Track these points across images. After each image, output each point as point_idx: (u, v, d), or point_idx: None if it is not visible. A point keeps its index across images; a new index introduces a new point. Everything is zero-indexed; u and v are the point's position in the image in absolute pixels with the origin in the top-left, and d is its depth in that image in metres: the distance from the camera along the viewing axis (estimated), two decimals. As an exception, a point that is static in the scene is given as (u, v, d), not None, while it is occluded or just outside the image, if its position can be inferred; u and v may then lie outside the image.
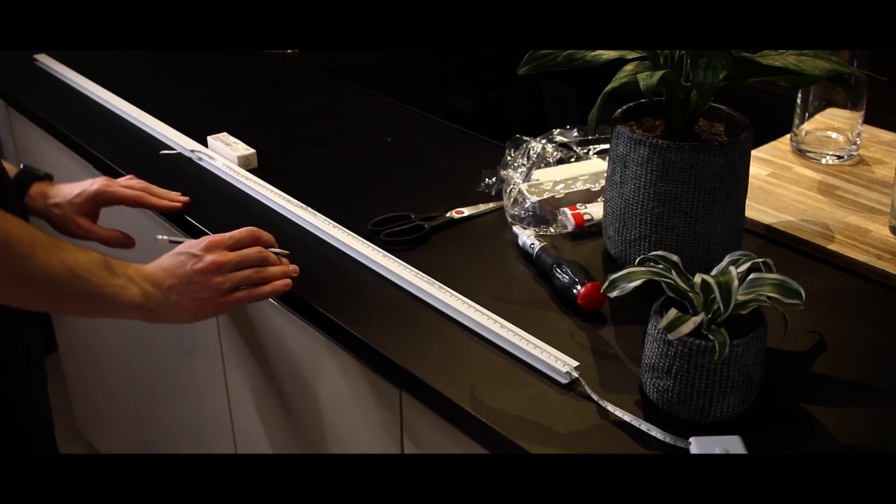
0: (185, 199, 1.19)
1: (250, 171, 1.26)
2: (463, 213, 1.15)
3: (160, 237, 1.09)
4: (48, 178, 1.18)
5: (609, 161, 1.01)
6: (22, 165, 1.17)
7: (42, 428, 1.07)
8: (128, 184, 1.19)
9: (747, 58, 0.91)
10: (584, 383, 0.85)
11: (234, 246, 0.99)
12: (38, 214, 1.16)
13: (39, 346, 1.05)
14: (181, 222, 1.19)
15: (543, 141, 1.25)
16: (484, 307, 0.95)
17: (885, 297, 0.99)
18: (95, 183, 1.16)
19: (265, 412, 1.25)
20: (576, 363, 0.87)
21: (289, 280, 1.00)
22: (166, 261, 0.97)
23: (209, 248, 0.97)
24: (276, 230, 1.13)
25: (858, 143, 1.27)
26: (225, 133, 1.34)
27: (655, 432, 0.79)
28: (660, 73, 0.89)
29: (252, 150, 1.29)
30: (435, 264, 1.04)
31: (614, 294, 0.82)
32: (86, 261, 0.88)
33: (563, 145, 1.27)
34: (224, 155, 1.30)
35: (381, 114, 1.48)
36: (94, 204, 1.16)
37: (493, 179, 1.21)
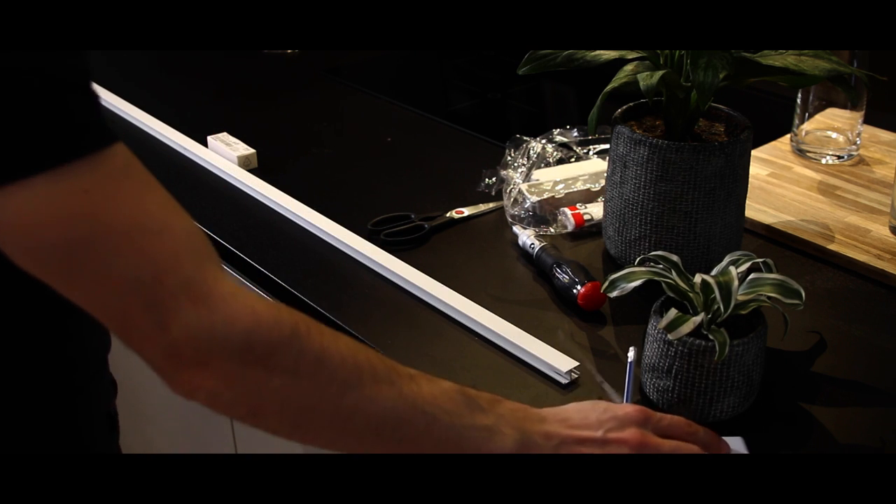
0: None
1: (250, 171, 1.26)
2: (463, 213, 1.15)
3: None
4: None
5: (609, 161, 1.01)
6: None
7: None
8: None
9: (747, 58, 0.91)
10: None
11: (665, 431, 0.74)
12: None
13: (116, 413, 0.95)
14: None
15: (543, 141, 1.25)
16: (484, 307, 0.95)
17: (885, 297, 0.99)
18: None
19: (265, 412, 1.25)
20: (576, 363, 0.87)
21: None
22: (570, 410, 0.74)
23: (638, 421, 0.73)
24: (276, 230, 1.13)
25: (858, 143, 1.27)
26: (225, 133, 1.34)
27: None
28: (660, 73, 0.89)
29: (252, 150, 1.29)
30: (435, 264, 1.04)
31: (614, 294, 0.82)
32: (439, 392, 0.67)
33: (563, 145, 1.27)
34: (224, 155, 1.30)
35: (381, 114, 1.48)
36: None
37: (493, 179, 1.21)
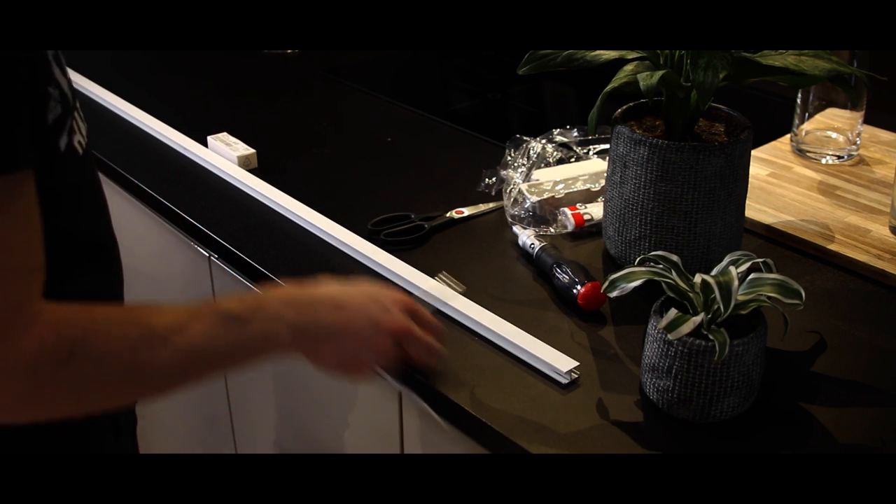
0: None
1: (250, 171, 1.26)
2: (463, 213, 1.15)
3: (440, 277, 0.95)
4: None
5: (609, 161, 1.01)
6: None
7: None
8: None
9: (747, 58, 0.91)
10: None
11: (425, 325, 0.85)
12: None
13: (130, 419, 0.97)
14: (181, 223, 1.19)
15: (543, 141, 1.25)
16: (484, 307, 0.95)
17: (885, 297, 0.99)
18: None
19: (265, 412, 1.25)
20: (576, 363, 0.87)
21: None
22: (356, 292, 0.83)
23: (404, 308, 0.83)
24: (276, 230, 1.13)
25: (858, 143, 1.27)
26: (225, 133, 1.34)
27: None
28: (660, 73, 0.89)
29: (252, 150, 1.29)
30: (435, 264, 1.04)
31: (614, 294, 0.82)
32: (203, 330, 0.74)
33: (563, 145, 1.27)
34: (224, 155, 1.30)
35: (381, 114, 1.48)
36: None
37: (493, 179, 1.21)
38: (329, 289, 0.83)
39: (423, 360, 0.85)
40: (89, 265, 0.86)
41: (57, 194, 0.77)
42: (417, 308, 0.85)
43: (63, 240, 0.79)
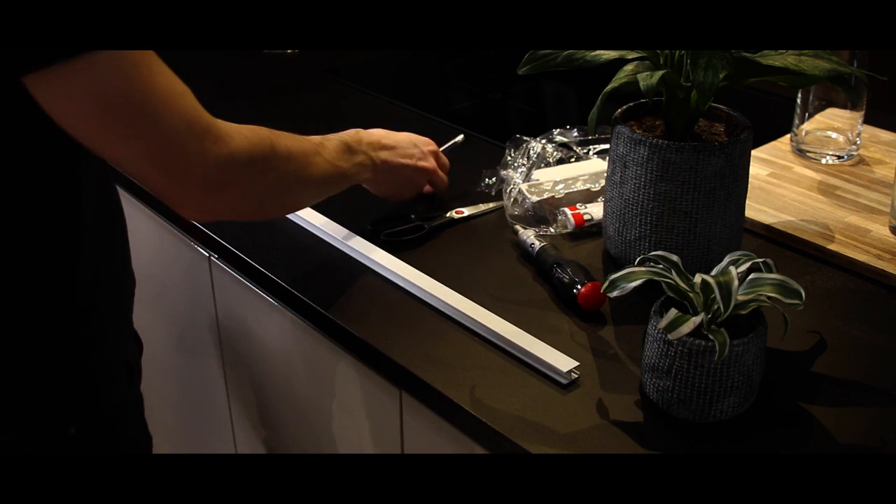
0: None
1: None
2: (463, 213, 1.15)
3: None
4: None
5: (609, 161, 1.01)
6: None
7: (143, 448, 1.04)
8: None
9: (747, 58, 0.91)
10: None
11: (442, 165, 1.17)
12: None
13: (139, 363, 1.03)
14: (181, 223, 1.19)
15: (543, 141, 1.25)
16: (484, 307, 0.95)
17: (885, 297, 0.99)
18: None
19: (265, 412, 1.25)
20: (576, 363, 0.87)
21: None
22: (402, 143, 1.09)
23: (433, 154, 1.14)
24: (276, 230, 1.13)
25: (858, 143, 1.27)
26: None
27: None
28: (660, 73, 0.89)
29: None
30: (435, 264, 1.04)
31: (614, 294, 0.82)
32: (336, 152, 0.97)
33: (563, 145, 1.27)
34: None
35: (381, 114, 1.48)
36: None
37: (493, 179, 1.21)
38: (382, 133, 1.08)
39: (438, 187, 1.16)
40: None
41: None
42: (439, 153, 1.16)
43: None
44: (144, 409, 1.04)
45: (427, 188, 1.17)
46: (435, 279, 1.00)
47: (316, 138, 0.96)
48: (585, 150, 1.26)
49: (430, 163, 1.12)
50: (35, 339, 0.85)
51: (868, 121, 1.28)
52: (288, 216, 1.16)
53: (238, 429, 1.34)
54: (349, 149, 1.00)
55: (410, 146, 1.10)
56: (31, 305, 0.84)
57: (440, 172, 1.15)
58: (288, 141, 0.89)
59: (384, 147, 1.06)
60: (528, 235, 1.06)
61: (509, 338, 0.91)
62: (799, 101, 1.26)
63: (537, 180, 1.16)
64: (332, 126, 1.38)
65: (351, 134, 1.02)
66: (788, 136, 1.30)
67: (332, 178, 0.97)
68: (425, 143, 1.14)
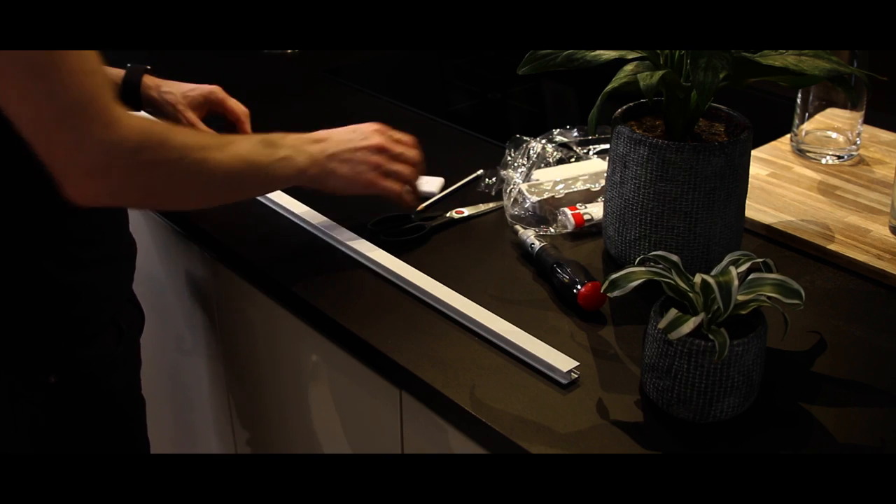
0: None
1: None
2: (463, 213, 1.15)
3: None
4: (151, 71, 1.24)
5: (609, 161, 1.01)
6: (128, 65, 1.21)
7: (130, 412, 1.08)
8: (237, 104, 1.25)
9: (747, 58, 0.91)
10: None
11: (398, 141, 1.08)
12: (150, 103, 1.20)
13: (135, 326, 1.07)
14: (184, 224, 1.19)
15: (543, 141, 1.25)
16: (484, 307, 0.95)
17: (884, 297, 0.99)
18: (211, 86, 1.22)
19: (265, 412, 1.25)
20: (576, 363, 0.87)
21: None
22: (336, 132, 1.04)
23: (378, 132, 1.06)
24: (276, 229, 1.13)
25: (858, 143, 1.27)
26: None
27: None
28: (660, 73, 0.89)
29: None
30: (435, 264, 1.04)
31: (614, 294, 0.82)
32: (249, 146, 0.94)
33: (563, 145, 1.27)
34: None
35: (381, 114, 1.48)
36: (206, 101, 1.20)
37: (493, 179, 1.21)
38: (320, 132, 1.04)
39: (402, 170, 1.06)
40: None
41: None
42: (388, 129, 1.08)
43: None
44: (140, 372, 1.10)
45: (405, 198, 1.08)
46: (435, 279, 1.00)
47: (234, 136, 0.96)
48: (585, 150, 1.26)
49: (375, 140, 1.05)
50: (22, 285, 0.90)
51: (868, 121, 1.28)
52: (288, 216, 1.16)
53: (238, 429, 1.34)
54: (269, 143, 0.97)
55: (347, 132, 1.06)
56: (19, 252, 0.89)
57: (393, 147, 1.07)
58: (186, 136, 0.89)
59: (315, 141, 1.02)
60: (528, 235, 1.06)
61: (509, 338, 0.91)
62: (799, 101, 1.26)
63: (537, 180, 1.16)
64: (332, 126, 1.38)
65: (279, 132, 1.00)
66: (788, 136, 1.30)
67: (244, 173, 0.94)
68: (368, 126, 1.08)
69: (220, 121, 1.22)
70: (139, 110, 1.19)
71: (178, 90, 1.20)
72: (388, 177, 1.05)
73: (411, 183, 1.08)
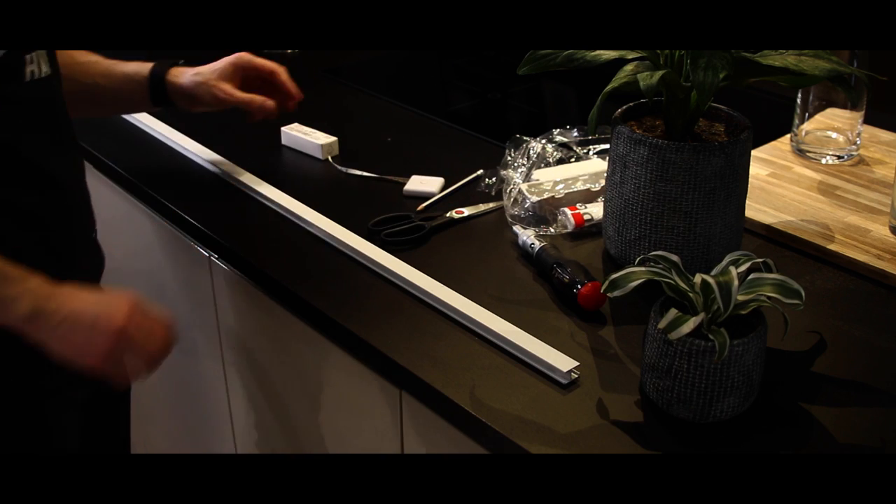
0: (298, 98, 1.26)
1: (262, 177, 1.26)
2: (463, 213, 1.15)
3: None
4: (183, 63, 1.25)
5: (609, 161, 1.01)
6: (154, 62, 1.22)
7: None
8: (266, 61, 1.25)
9: (747, 58, 0.91)
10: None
11: (152, 328, 0.94)
12: (183, 92, 1.20)
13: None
14: (179, 220, 1.19)
15: (543, 141, 1.25)
16: (484, 307, 0.95)
17: (885, 297, 0.99)
18: (237, 54, 1.23)
19: (265, 412, 1.25)
20: (576, 363, 0.87)
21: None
22: (80, 299, 0.91)
23: (126, 312, 0.91)
24: (276, 230, 1.13)
25: (858, 143, 1.27)
26: (297, 123, 1.36)
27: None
28: (660, 73, 0.89)
29: (333, 138, 1.32)
30: (435, 264, 1.04)
31: (614, 294, 0.82)
32: None
33: (563, 145, 1.27)
34: (303, 145, 1.33)
35: (381, 114, 1.48)
36: (235, 68, 1.22)
37: (493, 179, 1.21)
38: (67, 291, 0.91)
39: (140, 355, 0.93)
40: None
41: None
42: (143, 307, 0.93)
43: None
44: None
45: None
46: (435, 279, 1.00)
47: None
48: (585, 150, 1.26)
49: (116, 322, 0.90)
50: None
51: (868, 121, 1.28)
52: (288, 216, 1.16)
53: (238, 429, 1.34)
54: (4, 277, 0.86)
55: (92, 303, 0.91)
56: None
57: (139, 331, 0.92)
58: None
59: (52, 298, 0.89)
60: (528, 235, 1.06)
61: (509, 338, 0.91)
62: (799, 101, 1.26)
63: (537, 180, 1.16)
64: (332, 126, 1.39)
65: (15, 269, 0.88)
66: (788, 136, 1.30)
67: None
68: (119, 301, 0.92)
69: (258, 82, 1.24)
70: (164, 103, 1.21)
71: (206, 70, 1.22)
72: (116, 360, 0.91)
73: (153, 364, 0.95)
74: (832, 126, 1.27)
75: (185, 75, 1.21)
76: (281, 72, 1.25)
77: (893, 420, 0.82)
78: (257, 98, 1.21)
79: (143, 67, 1.20)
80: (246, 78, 1.23)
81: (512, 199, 1.14)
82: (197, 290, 1.28)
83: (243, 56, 1.23)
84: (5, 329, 0.87)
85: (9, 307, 0.86)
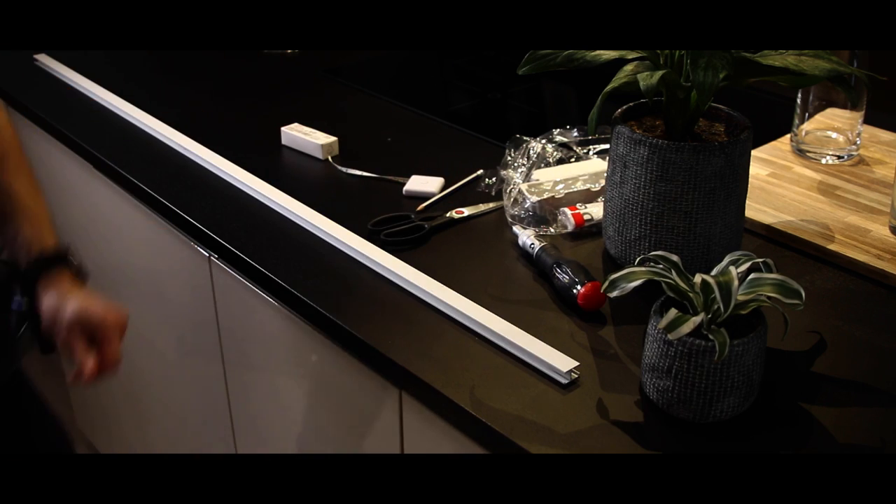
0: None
1: (263, 178, 1.26)
2: (463, 213, 1.15)
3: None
4: (82, 274, 1.07)
5: (609, 161, 1.01)
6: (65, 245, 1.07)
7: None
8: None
9: (747, 58, 0.91)
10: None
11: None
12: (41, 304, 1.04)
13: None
14: (179, 220, 1.19)
15: (543, 141, 1.25)
16: (484, 307, 0.95)
17: (885, 297, 0.99)
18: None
19: (265, 412, 1.25)
20: (576, 363, 0.87)
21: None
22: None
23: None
24: (276, 230, 1.13)
25: (858, 143, 1.27)
26: (297, 123, 1.36)
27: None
28: (660, 73, 0.89)
29: (333, 138, 1.32)
30: (435, 264, 1.04)
31: (614, 294, 0.82)
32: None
33: (563, 145, 1.27)
34: (303, 145, 1.32)
35: (381, 114, 1.48)
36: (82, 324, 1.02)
37: (493, 179, 1.21)
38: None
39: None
40: None
41: None
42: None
43: None
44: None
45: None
46: (435, 279, 1.00)
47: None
48: (585, 150, 1.26)
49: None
50: None
51: (868, 121, 1.28)
52: (288, 216, 1.16)
53: (238, 429, 1.34)
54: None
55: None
56: None
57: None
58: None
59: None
60: (528, 235, 1.06)
61: (509, 338, 0.91)
62: (799, 101, 1.26)
63: (537, 180, 1.16)
64: (332, 126, 1.39)
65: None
66: (788, 136, 1.30)
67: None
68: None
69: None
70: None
71: (64, 312, 1.01)
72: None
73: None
74: (832, 126, 1.27)
75: (49, 296, 1.02)
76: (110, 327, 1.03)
77: (893, 420, 0.82)
78: (88, 364, 1.00)
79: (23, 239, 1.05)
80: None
81: (512, 199, 1.14)
82: (197, 290, 1.28)
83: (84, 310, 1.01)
84: None
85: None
